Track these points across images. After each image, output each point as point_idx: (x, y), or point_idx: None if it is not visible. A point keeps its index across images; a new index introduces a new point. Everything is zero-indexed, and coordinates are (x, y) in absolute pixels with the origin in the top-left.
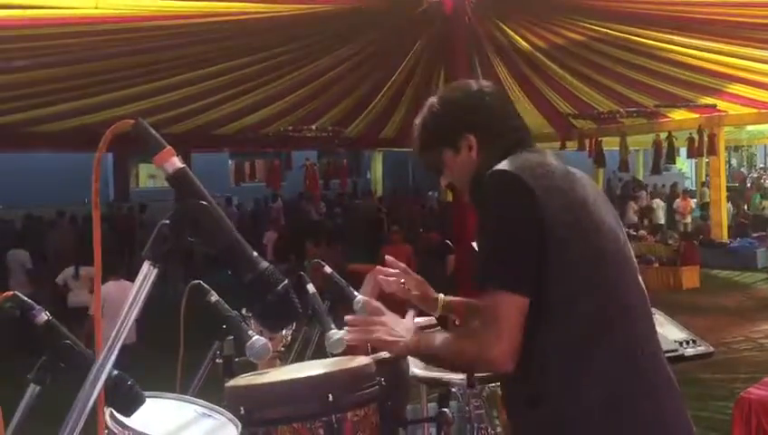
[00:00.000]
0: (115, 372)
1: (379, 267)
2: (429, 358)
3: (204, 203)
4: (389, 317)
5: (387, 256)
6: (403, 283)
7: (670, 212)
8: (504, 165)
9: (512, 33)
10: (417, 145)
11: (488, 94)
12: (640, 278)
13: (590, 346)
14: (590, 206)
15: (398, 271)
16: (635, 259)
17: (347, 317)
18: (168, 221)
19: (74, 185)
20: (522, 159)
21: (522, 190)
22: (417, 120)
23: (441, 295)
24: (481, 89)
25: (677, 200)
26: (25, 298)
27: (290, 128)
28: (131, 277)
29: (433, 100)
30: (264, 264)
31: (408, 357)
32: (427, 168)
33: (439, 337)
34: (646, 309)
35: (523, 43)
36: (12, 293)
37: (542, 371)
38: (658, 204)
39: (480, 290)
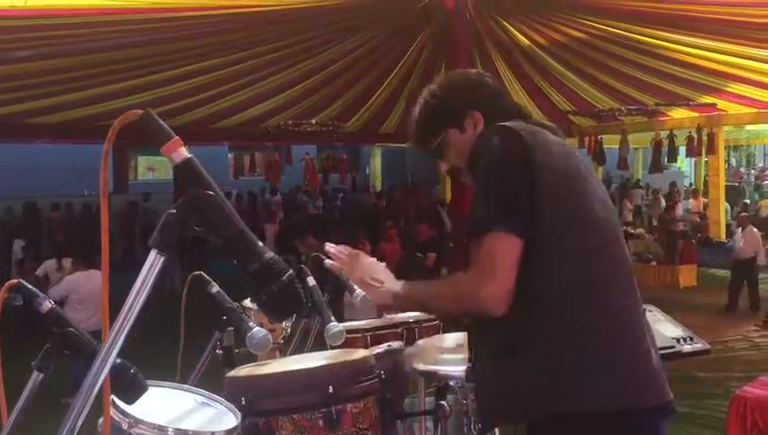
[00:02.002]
0: (118, 360)
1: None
2: (416, 304)
3: (210, 193)
4: (371, 261)
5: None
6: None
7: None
8: (504, 124)
9: (512, 30)
10: (419, 130)
11: (485, 77)
12: (627, 249)
13: (573, 303)
14: (582, 175)
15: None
16: (621, 229)
17: (328, 245)
18: (174, 211)
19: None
20: (522, 124)
21: (520, 144)
22: (417, 107)
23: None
24: (477, 73)
25: (690, 200)
26: (30, 286)
27: (290, 122)
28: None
29: (432, 87)
30: (270, 254)
31: (406, 351)
32: (429, 153)
33: (427, 282)
34: (629, 278)
35: (524, 39)
36: (17, 280)
37: (523, 320)
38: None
39: (473, 236)
